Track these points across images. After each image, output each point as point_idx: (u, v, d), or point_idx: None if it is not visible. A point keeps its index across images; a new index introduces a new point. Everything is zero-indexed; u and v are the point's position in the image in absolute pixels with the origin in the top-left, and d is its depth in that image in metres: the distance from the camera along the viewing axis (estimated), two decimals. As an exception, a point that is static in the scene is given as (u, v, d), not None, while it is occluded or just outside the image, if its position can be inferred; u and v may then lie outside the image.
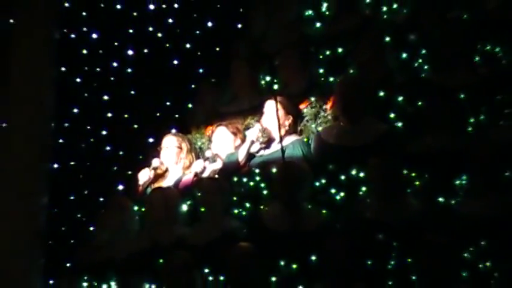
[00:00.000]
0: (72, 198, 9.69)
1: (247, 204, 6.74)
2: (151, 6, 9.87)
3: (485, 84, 6.61)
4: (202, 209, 6.82)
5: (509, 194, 6.17)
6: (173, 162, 7.52)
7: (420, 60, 6.91)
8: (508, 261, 5.93)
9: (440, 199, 6.28)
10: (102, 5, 9.93)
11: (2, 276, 9.10)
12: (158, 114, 9.50)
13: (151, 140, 8.29)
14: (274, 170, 6.65)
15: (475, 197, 6.20)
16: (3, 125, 9.66)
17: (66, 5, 10.04)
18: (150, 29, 9.87)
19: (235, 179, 6.91)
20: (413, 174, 6.38)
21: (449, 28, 6.88)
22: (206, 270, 6.44)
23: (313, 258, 6.18)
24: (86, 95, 9.88)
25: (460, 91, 6.55)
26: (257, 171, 6.87)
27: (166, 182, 7.40)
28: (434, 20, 6.99)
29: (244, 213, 6.74)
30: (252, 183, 6.84)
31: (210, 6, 9.38)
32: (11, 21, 9.96)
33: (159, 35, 9.79)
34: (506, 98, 6.52)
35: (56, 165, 9.67)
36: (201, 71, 9.34)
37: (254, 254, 6.21)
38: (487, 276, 5.93)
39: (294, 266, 6.22)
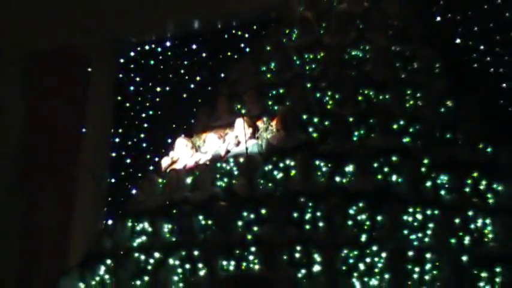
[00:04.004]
0: (122, 174, 9.68)
1: (225, 179, 6.59)
2: (171, 63, 9.99)
3: (364, 113, 6.58)
4: (199, 181, 6.68)
5: (376, 177, 6.16)
6: (182, 154, 7.34)
7: (327, 98, 6.83)
8: (375, 215, 5.91)
9: (337, 178, 6.24)
10: (142, 61, 10.02)
11: (82, 218, 9.03)
12: (174, 125, 9.49)
13: (169, 140, 8.19)
14: (241, 160, 6.56)
15: (358, 178, 6.18)
16: (83, 130, 9.70)
17: (121, 60, 10.14)
18: (170, 75, 9.97)
19: (218, 164, 6.76)
20: (322, 164, 6.32)
21: (344, 79, 6.82)
22: (200, 217, 6.30)
23: (263, 211, 6.11)
24: (131, 113, 9.97)
25: (349, 117, 6.52)
26: (231, 160, 6.73)
27: (178, 166, 7.24)
28: (335, 74, 6.90)
29: (223, 184, 6.59)
30: (228, 167, 6.69)
31: (205, 64, 9.71)
32: (89, 69, 10.05)
33: (175, 79, 9.88)
34: (374, 122, 6.49)
35: (113, 154, 9.72)
36: (199, 101, 9.33)
37: (228, 208, 6.12)
38: (363, 225, 5.92)
39: (252, 216, 6.14)
